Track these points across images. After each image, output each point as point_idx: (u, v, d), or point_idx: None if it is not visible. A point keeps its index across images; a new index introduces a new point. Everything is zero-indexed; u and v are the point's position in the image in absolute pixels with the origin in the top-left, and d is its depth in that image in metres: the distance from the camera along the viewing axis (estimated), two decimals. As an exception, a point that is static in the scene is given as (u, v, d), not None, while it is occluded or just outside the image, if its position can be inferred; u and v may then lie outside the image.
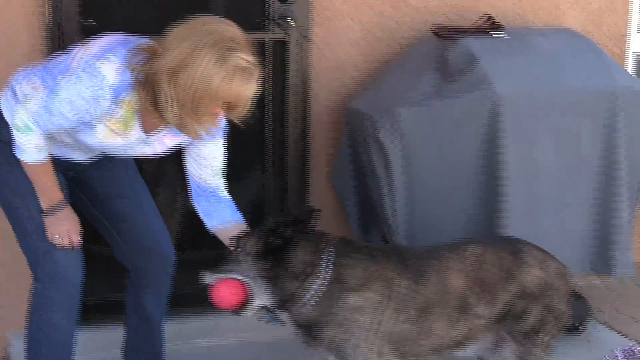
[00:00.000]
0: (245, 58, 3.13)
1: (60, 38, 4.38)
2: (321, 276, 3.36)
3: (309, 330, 3.42)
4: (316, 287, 3.36)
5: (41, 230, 3.56)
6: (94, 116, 3.30)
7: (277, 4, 4.72)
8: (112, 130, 3.37)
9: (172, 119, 3.23)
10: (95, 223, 3.88)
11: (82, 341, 4.37)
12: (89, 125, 3.36)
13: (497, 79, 4.34)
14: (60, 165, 3.62)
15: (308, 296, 3.36)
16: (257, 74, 3.19)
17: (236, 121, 3.35)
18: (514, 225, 4.36)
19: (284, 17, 4.71)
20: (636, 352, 4.67)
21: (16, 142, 3.41)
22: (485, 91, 4.31)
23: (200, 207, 3.63)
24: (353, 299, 3.36)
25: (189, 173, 3.62)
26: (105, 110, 3.28)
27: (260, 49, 4.71)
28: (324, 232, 3.50)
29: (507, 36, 4.67)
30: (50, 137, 3.44)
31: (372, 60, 4.94)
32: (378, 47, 4.94)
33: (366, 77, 4.92)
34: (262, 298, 3.40)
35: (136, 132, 3.41)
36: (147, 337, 4.01)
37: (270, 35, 4.74)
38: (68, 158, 3.63)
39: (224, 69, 3.09)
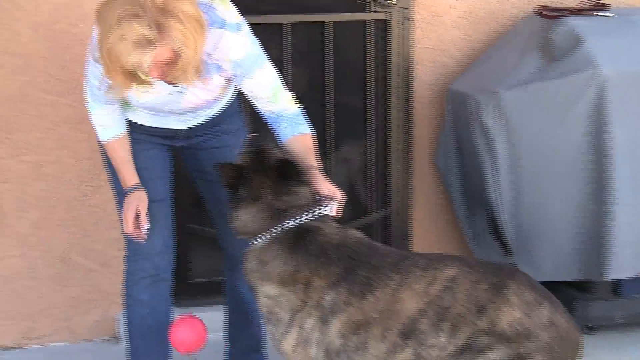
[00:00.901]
0: (138, 29, 2.96)
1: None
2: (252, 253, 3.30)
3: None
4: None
5: None
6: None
7: (378, -16, 4.72)
8: (136, 88, 3.31)
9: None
10: (206, 203, 3.93)
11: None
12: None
13: (603, 60, 4.25)
14: (163, 136, 3.65)
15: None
16: (152, 48, 2.98)
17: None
18: (622, 211, 4.28)
19: (385, -4, 4.72)
20: None
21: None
22: (591, 72, 4.23)
23: (272, 130, 3.54)
24: (266, 287, 3.22)
25: (253, 106, 3.56)
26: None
27: (361, 29, 4.74)
28: (287, 209, 3.27)
29: (613, 16, 4.58)
30: (126, 110, 3.51)
31: (474, 40, 4.89)
32: (481, 27, 4.89)
33: (468, 58, 4.88)
34: None
35: (160, 85, 3.33)
36: (244, 322, 4.02)
37: (371, 15, 4.74)
38: (166, 126, 3.64)
39: (113, 34, 2.97)
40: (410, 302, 3.07)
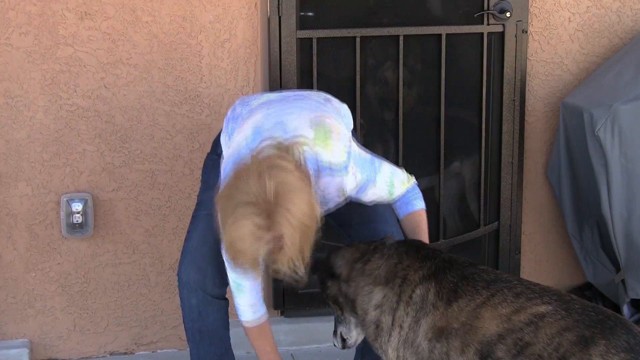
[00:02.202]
0: (255, 222, 2.95)
1: (279, 31, 4.46)
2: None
3: None
4: None
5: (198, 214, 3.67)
6: None
7: (495, -4, 4.70)
8: None
9: None
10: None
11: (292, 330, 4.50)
12: None
13: None
14: None
15: None
16: (265, 238, 3.00)
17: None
18: None
19: (503, 10, 4.66)
20: None
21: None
22: None
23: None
24: (375, 294, 3.23)
25: None
26: None
27: (476, 42, 4.71)
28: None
29: None
30: None
31: (590, 54, 4.84)
32: (597, 40, 4.83)
33: (584, 71, 4.83)
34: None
35: None
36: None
37: (487, 28, 4.71)
38: None
39: (231, 224, 3.00)
40: (490, 323, 2.95)
